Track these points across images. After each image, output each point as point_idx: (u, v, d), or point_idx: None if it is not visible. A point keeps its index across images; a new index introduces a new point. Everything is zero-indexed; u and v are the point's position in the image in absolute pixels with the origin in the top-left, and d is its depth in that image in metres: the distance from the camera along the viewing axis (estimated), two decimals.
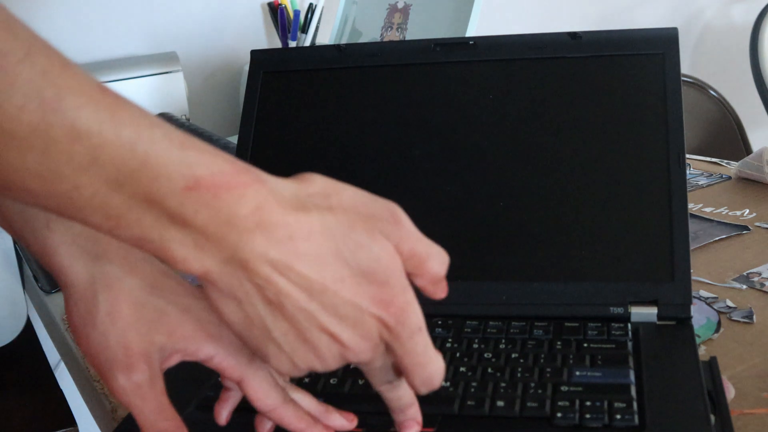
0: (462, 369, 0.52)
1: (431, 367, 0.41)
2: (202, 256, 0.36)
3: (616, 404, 0.47)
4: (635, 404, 0.47)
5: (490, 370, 0.52)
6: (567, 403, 0.47)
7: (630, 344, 0.53)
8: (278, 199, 0.37)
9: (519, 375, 0.51)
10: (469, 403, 0.48)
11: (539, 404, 0.47)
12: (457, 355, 0.54)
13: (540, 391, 0.48)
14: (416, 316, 0.39)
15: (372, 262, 0.38)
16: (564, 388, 0.49)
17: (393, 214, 0.40)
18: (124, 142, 0.33)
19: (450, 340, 0.56)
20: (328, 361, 0.39)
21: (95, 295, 0.42)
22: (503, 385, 0.50)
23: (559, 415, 0.46)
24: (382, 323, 0.39)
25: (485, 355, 0.53)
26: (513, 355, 0.53)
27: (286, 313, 0.37)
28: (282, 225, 0.36)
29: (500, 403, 0.48)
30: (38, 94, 0.31)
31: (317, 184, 0.39)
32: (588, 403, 0.47)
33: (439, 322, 0.58)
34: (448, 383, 0.50)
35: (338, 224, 0.38)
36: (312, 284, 0.37)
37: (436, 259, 0.40)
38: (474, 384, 0.50)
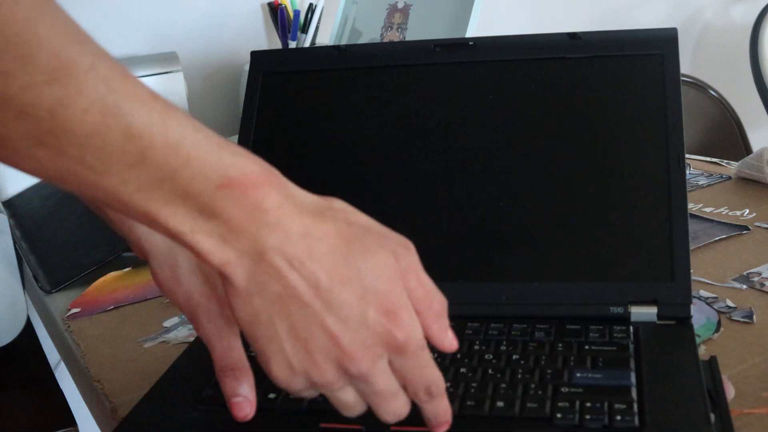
0: (462, 370, 0.52)
1: (432, 376, 0.42)
2: (224, 248, 0.39)
3: (617, 405, 0.47)
4: (635, 406, 0.47)
5: (490, 371, 0.52)
6: (567, 404, 0.47)
7: (631, 347, 0.53)
8: (298, 202, 0.40)
9: (519, 376, 0.51)
10: (468, 403, 0.49)
11: (539, 404, 0.47)
12: (458, 356, 0.54)
13: (540, 392, 0.48)
14: (420, 331, 0.41)
15: (381, 272, 0.41)
16: (564, 389, 0.49)
17: (406, 243, 0.43)
18: (170, 143, 0.37)
19: None
20: (325, 367, 0.40)
21: (176, 258, 0.47)
22: (503, 386, 0.50)
23: (558, 415, 0.46)
24: (387, 335, 0.40)
25: (486, 356, 0.53)
26: (514, 357, 0.53)
27: (291, 309, 0.40)
28: (299, 224, 0.40)
29: (500, 404, 0.48)
30: (101, 99, 0.35)
31: (337, 203, 0.43)
32: (588, 404, 0.47)
33: None
34: (449, 384, 0.50)
35: (352, 234, 0.41)
36: (320, 281, 0.39)
37: (439, 295, 0.43)
38: (474, 384, 0.50)
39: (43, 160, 0.36)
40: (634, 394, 0.48)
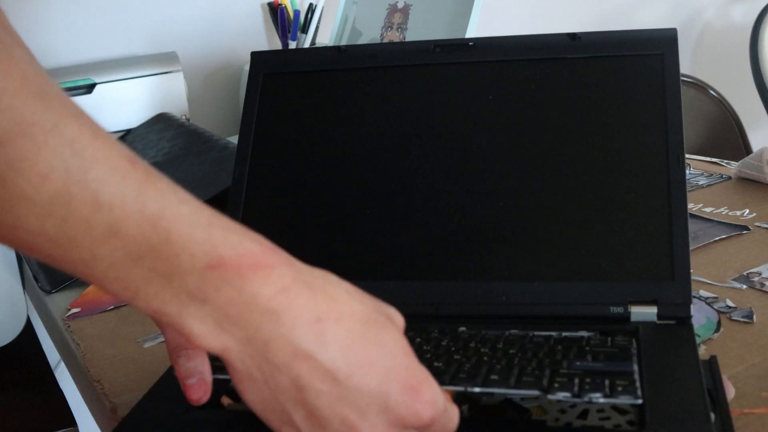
0: (456, 357, 0.51)
1: (453, 426, 0.40)
2: (221, 334, 0.35)
3: (618, 382, 0.45)
4: (638, 384, 0.46)
5: (485, 359, 0.50)
6: (565, 379, 0.46)
7: (634, 351, 0.53)
8: (307, 280, 0.36)
9: (516, 361, 0.49)
10: (460, 375, 0.47)
11: (535, 379, 0.46)
12: (453, 348, 0.53)
13: (537, 372, 0.47)
14: (442, 397, 0.39)
15: (398, 346, 0.38)
16: (563, 371, 0.47)
17: (396, 312, 0.41)
18: (147, 217, 0.33)
19: (446, 341, 0.56)
20: None
21: None
22: (499, 367, 0.48)
23: (556, 385, 0.45)
24: (413, 415, 0.37)
25: (482, 350, 0.53)
26: (511, 351, 0.52)
27: (306, 399, 0.36)
28: (309, 307, 0.36)
29: (494, 377, 0.46)
30: (63, 164, 0.31)
31: (334, 277, 0.39)
32: (588, 380, 0.45)
33: (436, 330, 0.57)
34: (441, 364, 0.49)
35: (365, 311, 0.38)
36: (336, 371, 0.36)
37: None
38: (468, 365, 0.49)
39: (0, 231, 0.32)
40: (636, 376, 0.47)
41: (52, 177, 0.31)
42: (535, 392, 0.45)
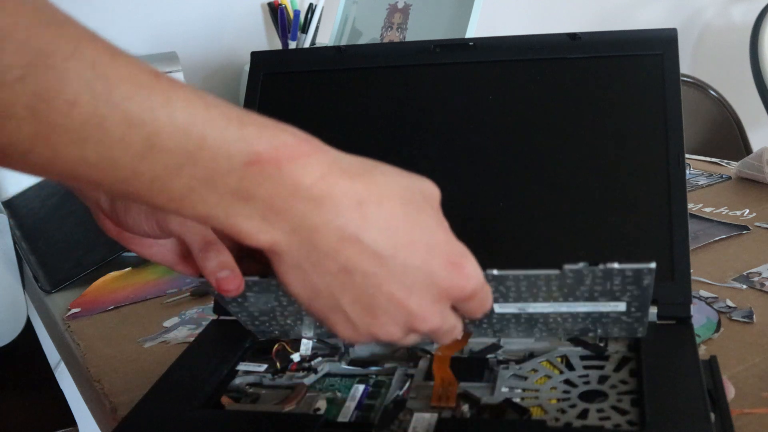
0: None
1: (490, 303, 0.44)
2: (269, 228, 0.36)
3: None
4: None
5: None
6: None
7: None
8: (344, 166, 0.37)
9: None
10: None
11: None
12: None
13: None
14: (481, 271, 0.41)
15: (437, 223, 0.39)
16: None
17: (432, 186, 0.42)
18: (179, 126, 0.33)
19: None
20: (392, 329, 0.40)
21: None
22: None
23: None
24: (456, 288, 0.39)
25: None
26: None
27: (354, 282, 0.38)
28: (349, 191, 0.37)
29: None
30: (89, 87, 0.31)
31: (372, 161, 0.40)
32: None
33: None
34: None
35: (405, 191, 0.39)
36: (381, 250, 0.37)
37: None
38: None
39: (41, 164, 0.33)
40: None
41: (80, 102, 0.31)
42: (555, 271, 0.45)
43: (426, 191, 0.41)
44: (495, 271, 0.45)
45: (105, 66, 0.32)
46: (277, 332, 0.55)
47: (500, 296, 0.48)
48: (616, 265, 0.44)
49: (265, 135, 0.35)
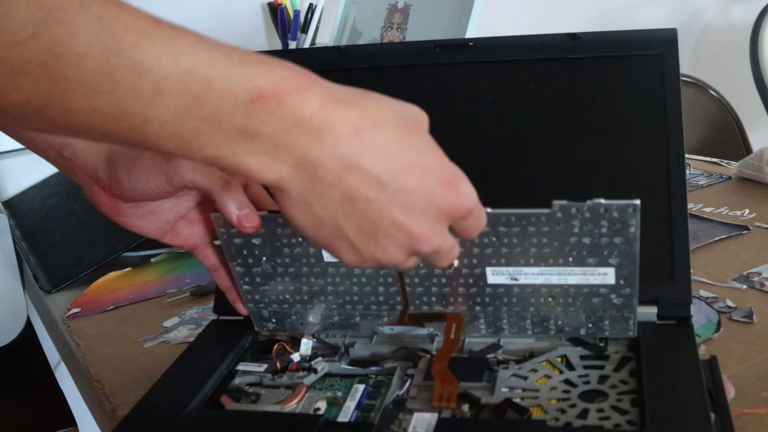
0: None
1: (484, 221, 0.45)
2: (274, 164, 0.37)
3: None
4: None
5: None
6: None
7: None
8: (339, 96, 0.38)
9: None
10: None
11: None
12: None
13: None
14: (474, 190, 0.42)
15: (430, 145, 0.41)
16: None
17: (420, 111, 0.43)
18: (184, 69, 0.34)
19: None
20: (395, 253, 0.41)
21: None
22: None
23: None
24: (454, 207, 0.41)
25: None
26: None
27: (357, 209, 0.39)
28: (346, 120, 0.38)
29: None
30: (98, 39, 0.32)
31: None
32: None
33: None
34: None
35: (397, 115, 0.40)
36: (381, 175, 0.38)
37: None
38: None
39: (55, 120, 0.34)
40: None
41: (90, 54, 0.32)
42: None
43: (417, 116, 0.42)
44: (489, 209, 0.47)
45: (111, 17, 0.33)
46: (274, 321, 0.56)
47: (493, 252, 0.49)
48: (602, 201, 0.46)
49: (264, 71, 0.36)
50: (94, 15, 0.33)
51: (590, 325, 0.52)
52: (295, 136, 0.37)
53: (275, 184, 0.39)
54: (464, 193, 0.42)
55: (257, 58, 0.37)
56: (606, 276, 0.49)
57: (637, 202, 0.46)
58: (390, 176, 0.39)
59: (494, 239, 0.49)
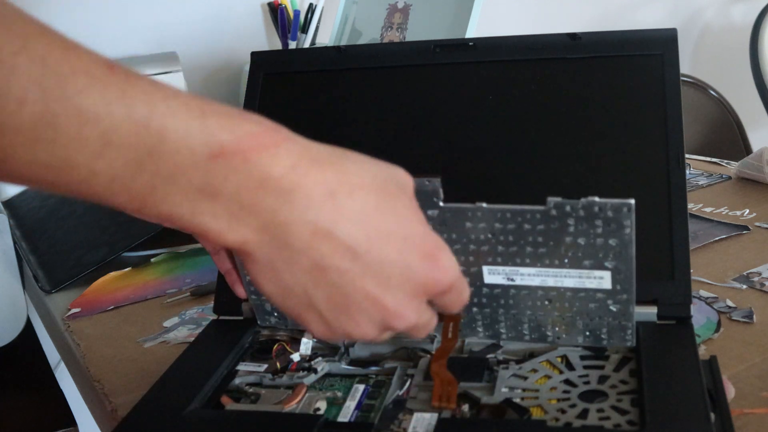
0: None
1: (467, 296, 0.43)
2: (238, 226, 0.35)
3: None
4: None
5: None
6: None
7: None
8: (313, 155, 0.36)
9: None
10: None
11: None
12: None
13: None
14: (457, 264, 0.40)
15: (411, 214, 0.38)
16: None
17: (405, 175, 0.41)
18: (137, 119, 0.32)
19: None
20: (367, 328, 0.38)
21: None
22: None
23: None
24: (433, 282, 0.38)
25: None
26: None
27: (328, 279, 0.36)
28: (320, 182, 0.35)
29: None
30: (38, 83, 0.30)
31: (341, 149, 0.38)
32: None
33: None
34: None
35: (377, 181, 0.37)
36: (355, 244, 0.36)
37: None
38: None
39: None
40: None
41: (29, 99, 0.30)
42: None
43: (399, 180, 0.39)
44: (484, 204, 0.47)
45: (56, 60, 0.30)
46: (276, 315, 0.56)
47: (489, 250, 0.49)
48: (596, 199, 0.46)
49: (228, 125, 0.34)
50: (38, 57, 0.30)
51: (587, 333, 0.52)
52: (262, 197, 0.34)
53: (239, 248, 0.36)
54: (445, 266, 0.39)
55: (222, 111, 0.34)
56: (602, 280, 0.49)
57: (632, 201, 0.45)
58: (365, 245, 0.36)
59: (490, 236, 0.49)
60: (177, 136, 0.32)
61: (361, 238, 0.36)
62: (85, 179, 0.32)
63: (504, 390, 0.51)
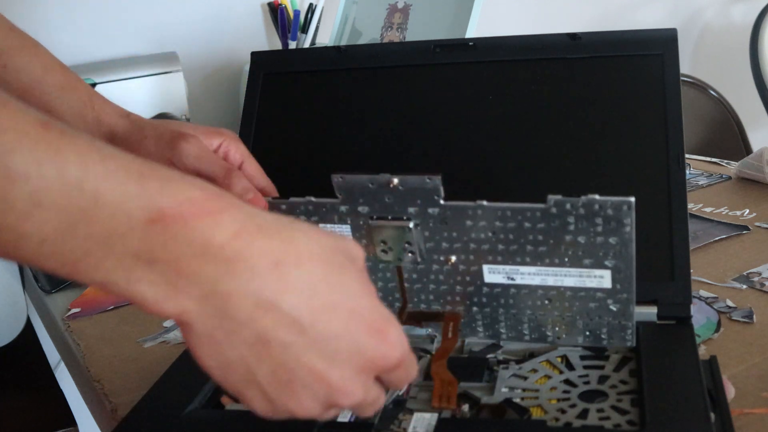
0: None
1: (414, 372, 0.40)
2: (176, 295, 0.33)
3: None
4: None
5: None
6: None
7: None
8: (259, 223, 0.34)
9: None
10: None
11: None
12: None
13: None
14: (406, 338, 0.38)
15: (360, 287, 0.36)
16: None
17: (357, 248, 0.38)
18: (69, 180, 0.30)
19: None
20: (311, 405, 0.36)
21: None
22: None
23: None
24: (381, 358, 0.36)
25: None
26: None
27: (271, 353, 0.34)
28: (265, 252, 0.33)
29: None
30: None
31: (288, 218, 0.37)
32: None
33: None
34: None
35: (325, 251, 0.36)
36: (300, 317, 0.34)
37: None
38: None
39: None
40: None
41: None
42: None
43: (349, 251, 0.38)
44: (484, 202, 0.47)
45: None
46: None
47: (489, 249, 0.49)
48: (596, 197, 0.46)
49: (169, 189, 0.32)
50: None
51: (587, 333, 0.52)
52: (202, 265, 0.32)
53: (177, 318, 0.33)
54: (393, 342, 0.36)
55: (164, 174, 0.32)
56: (602, 279, 0.49)
57: (632, 199, 0.45)
58: (310, 319, 0.34)
59: (490, 234, 0.49)
60: (113, 199, 0.31)
61: (306, 310, 0.34)
62: (13, 241, 0.30)
63: (504, 390, 0.51)
